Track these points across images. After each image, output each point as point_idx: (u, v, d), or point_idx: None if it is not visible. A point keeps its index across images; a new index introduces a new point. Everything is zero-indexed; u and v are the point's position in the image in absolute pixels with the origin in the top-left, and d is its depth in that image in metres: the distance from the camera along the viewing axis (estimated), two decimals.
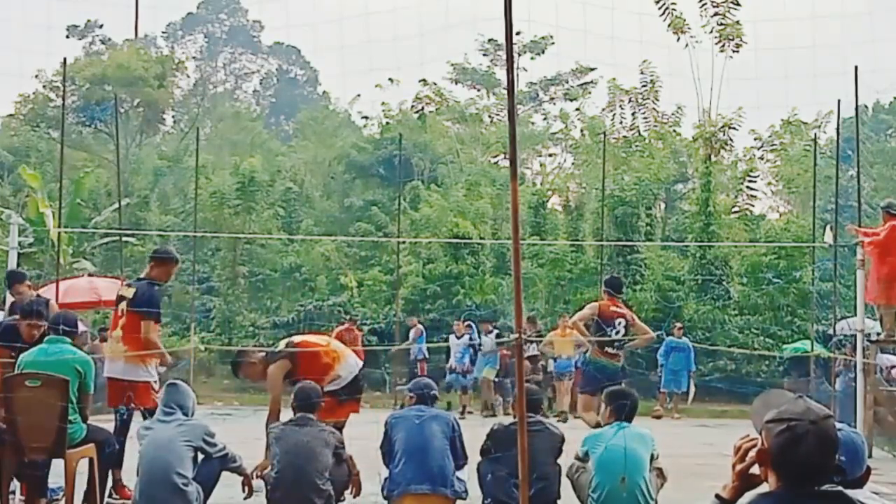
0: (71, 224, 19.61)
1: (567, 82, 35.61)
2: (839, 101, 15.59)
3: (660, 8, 22.66)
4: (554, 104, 35.73)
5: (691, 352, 17.28)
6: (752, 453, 2.73)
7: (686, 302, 20.47)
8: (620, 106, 27.55)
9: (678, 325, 17.97)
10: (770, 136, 26.69)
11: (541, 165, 34.21)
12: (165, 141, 37.86)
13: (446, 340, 18.40)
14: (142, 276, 8.02)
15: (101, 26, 47.50)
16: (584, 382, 10.43)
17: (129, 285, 8.07)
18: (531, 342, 16.45)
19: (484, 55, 35.00)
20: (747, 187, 23.84)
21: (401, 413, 7.01)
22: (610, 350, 9.91)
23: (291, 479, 6.29)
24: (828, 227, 15.72)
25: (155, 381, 7.71)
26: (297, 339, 7.87)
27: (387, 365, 20.00)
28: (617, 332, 9.85)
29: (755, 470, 2.73)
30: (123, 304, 7.73)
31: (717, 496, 2.81)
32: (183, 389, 6.49)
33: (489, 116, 34.54)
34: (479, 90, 35.31)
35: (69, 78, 28.17)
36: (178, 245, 24.03)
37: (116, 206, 19.82)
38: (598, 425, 8.83)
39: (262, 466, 6.70)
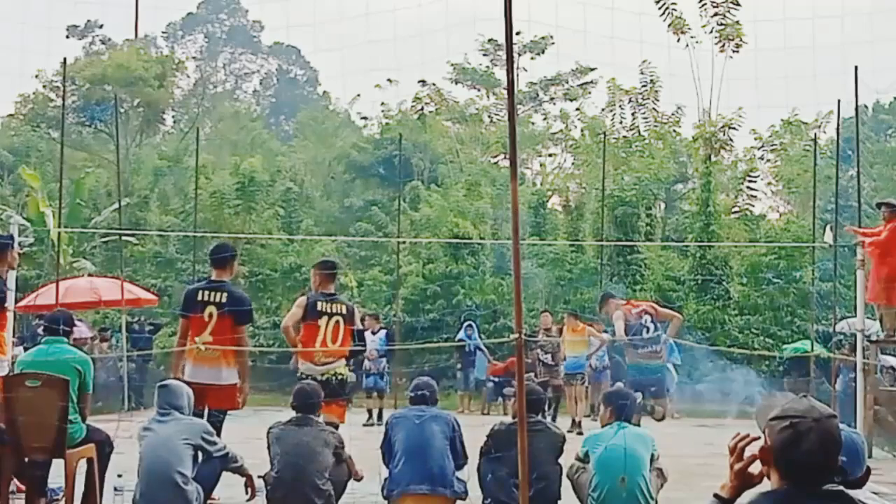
0: (71, 224, 19.59)
1: (567, 82, 35.58)
2: (839, 101, 15.58)
3: (660, 8, 22.69)
4: (554, 104, 35.73)
5: (677, 351, 17.05)
6: (749, 451, 2.73)
7: (686, 302, 20.46)
8: (620, 106, 27.56)
9: None
10: (770, 136, 26.71)
11: (541, 165, 34.24)
12: (165, 141, 37.82)
13: (447, 340, 18.36)
14: (213, 278, 7.90)
15: (101, 26, 47.53)
16: (630, 388, 10.35)
17: (211, 289, 7.78)
18: (537, 344, 16.06)
19: (484, 55, 34.99)
20: (747, 187, 23.85)
21: (401, 413, 7.01)
22: (644, 349, 9.85)
23: (291, 479, 6.29)
24: (828, 227, 15.71)
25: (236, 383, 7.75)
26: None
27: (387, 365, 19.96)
28: (648, 330, 9.80)
29: (754, 469, 2.72)
30: (212, 308, 7.61)
31: (716, 495, 2.80)
32: (175, 389, 6.45)
33: (489, 116, 34.55)
34: (479, 90, 35.29)
35: (69, 78, 28.15)
36: (178, 245, 24.06)
37: (116, 206, 19.80)
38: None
39: None
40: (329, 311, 7.92)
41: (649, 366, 9.72)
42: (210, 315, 7.56)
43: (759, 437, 2.75)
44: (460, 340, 17.84)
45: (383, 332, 16.23)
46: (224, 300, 7.57)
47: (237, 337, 7.62)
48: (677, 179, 26.97)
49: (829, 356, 15.93)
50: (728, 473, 2.80)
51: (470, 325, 17.84)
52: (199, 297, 7.68)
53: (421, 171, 30.22)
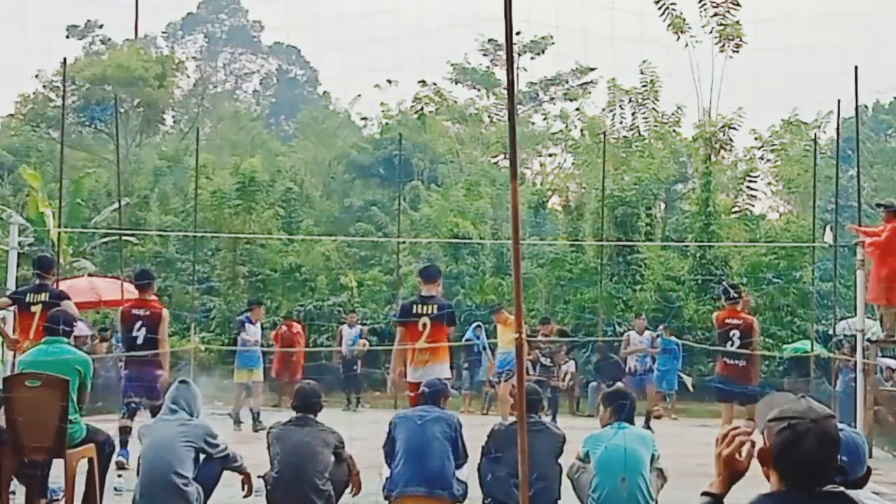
0: (71, 224, 19.59)
1: (567, 82, 35.57)
2: (839, 101, 15.58)
3: (660, 8, 22.67)
4: (554, 104, 35.72)
5: (679, 352, 16.92)
6: (738, 439, 2.71)
7: (686, 302, 20.45)
8: (620, 106, 27.50)
9: (664, 325, 17.33)
10: (770, 136, 26.68)
11: (541, 165, 34.24)
12: (165, 141, 37.81)
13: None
14: (423, 293, 9.02)
15: (101, 26, 47.50)
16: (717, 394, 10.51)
17: (423, 303, 8.93)
18: (533, 345, 15.93)
19: (484, 55, 34.99)
20: (747, 187, 23.83)
21: (404, 413, 7.02)
22: (728, 361, 9.83)
23: (291, 479, 6.29)
24: (828, 227, 15.70)
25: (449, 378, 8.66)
26: None
27: (387, 365, 19.95)
28: (732, 345, 9.78)
29: (740, 455, 2.70)
30: (426, 319, 8.72)
31: (706, 493, 2.76)
32: (193, 389, 6.52)
33: (489, 116, 34.54)
34: (479, 90, 35.28)
35: (69, 78, 28.12)
36: (178, 245, 24.05)
37: (116, 206, 19.80)
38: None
39: None
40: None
41: (730, 380, 9.72)
42: (424, 325, 8.70)
43: (749, 431, 2.74)
44: (468, 340, 17.80)
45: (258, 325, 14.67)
46: (434, 311, 8.74)
47: (448, 336, 8.99)
48: (677, 179, 26.95)
49: (829, 356, 15.92)
50: (715, 467, 2.75)
51: (479, 326, 17.80)
52: (414, 311, 8.88)
53: (421, 171, 30.21)
